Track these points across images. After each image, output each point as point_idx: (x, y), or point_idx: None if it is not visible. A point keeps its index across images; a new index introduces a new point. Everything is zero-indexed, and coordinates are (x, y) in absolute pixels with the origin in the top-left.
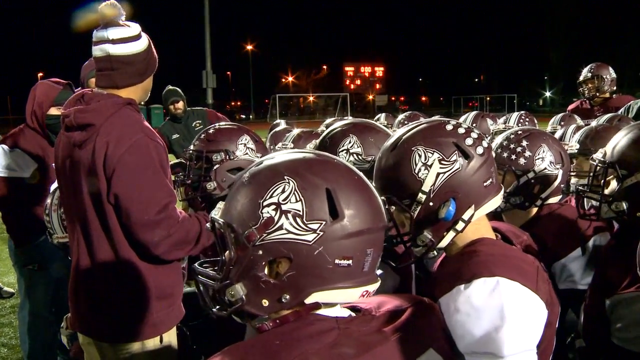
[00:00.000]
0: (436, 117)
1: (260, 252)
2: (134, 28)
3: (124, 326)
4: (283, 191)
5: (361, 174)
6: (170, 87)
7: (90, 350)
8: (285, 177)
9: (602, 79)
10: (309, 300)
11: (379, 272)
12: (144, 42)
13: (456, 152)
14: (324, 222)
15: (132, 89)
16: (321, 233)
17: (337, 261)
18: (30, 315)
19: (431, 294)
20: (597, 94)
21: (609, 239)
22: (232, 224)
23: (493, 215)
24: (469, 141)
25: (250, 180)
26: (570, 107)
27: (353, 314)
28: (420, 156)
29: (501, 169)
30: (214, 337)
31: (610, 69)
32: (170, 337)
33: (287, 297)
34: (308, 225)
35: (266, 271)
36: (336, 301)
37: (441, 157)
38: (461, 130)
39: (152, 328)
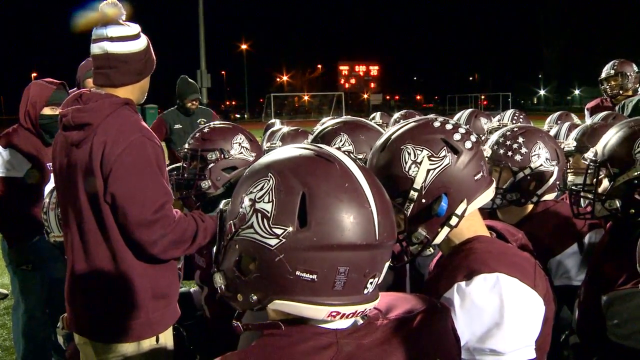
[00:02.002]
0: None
1: (237, 246)
2: (134, 28)
3: (120, 326)
4: (261, 189)
5: (363, 183)
6: (189, 79)
7: (86, 350)
8: (269, 174)
9: (625, 76)
10: (271, 306)
11: None
12: (142, 42)
13: (445, 148)
14: (288, 229)
15: (129, 88)
16: (283, 240)
17: (298, 273)
18: (25, 316)
19: (427, 292)
20: (621, 92)
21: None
22: (225, 212)
23: (488, 212)
24: (457, 136)
25: (248, 172)
26: (590, 104)
27: (359, 321)
28: (409, 154)
29: (497, 166)
30: (209, 337)
31: (634, 65)
32: (166, 337)
33: (255, 297)
34: (272, 229)
35: (239, 266)
36: (299, 314)
37: (430, 154)
38: (449, 127)
39: (147, 328)
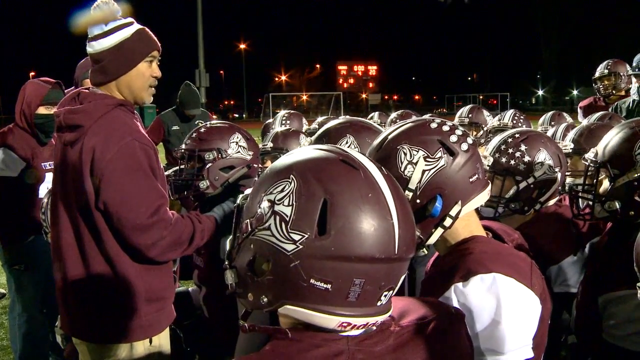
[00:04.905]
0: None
1: (251, 245)
2: (110, 24)
3: (112, 328)
4: (282, 190)
5: (387, 193)
6: (192, 88)
7: (83, 349)
8: (291, 175)
9: (619, 76)
10: (282, 311)
11: None
12: (112, 39)
13: (441, 149)
14: (306, 235)
15: (109, 87)
16: (300, 246)
17: (312, 281)
18: (21, 316)
19: (424, 293)
20: (614, 92)
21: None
22: (242, 207)
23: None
24: (453, 138)
25: (269, 170)
26: (583, 103)
27: (372, 327)
28: (405, 154)
29: (500, 175)
30: (207, 337)
31: (627, 65)
32: (161, 339)
33: (265, 299)
34: (290, 234)
35: (252, 266)
36: (309, 321)
37: (426, 155)
38: (445, 128)
39: (140, 330)
